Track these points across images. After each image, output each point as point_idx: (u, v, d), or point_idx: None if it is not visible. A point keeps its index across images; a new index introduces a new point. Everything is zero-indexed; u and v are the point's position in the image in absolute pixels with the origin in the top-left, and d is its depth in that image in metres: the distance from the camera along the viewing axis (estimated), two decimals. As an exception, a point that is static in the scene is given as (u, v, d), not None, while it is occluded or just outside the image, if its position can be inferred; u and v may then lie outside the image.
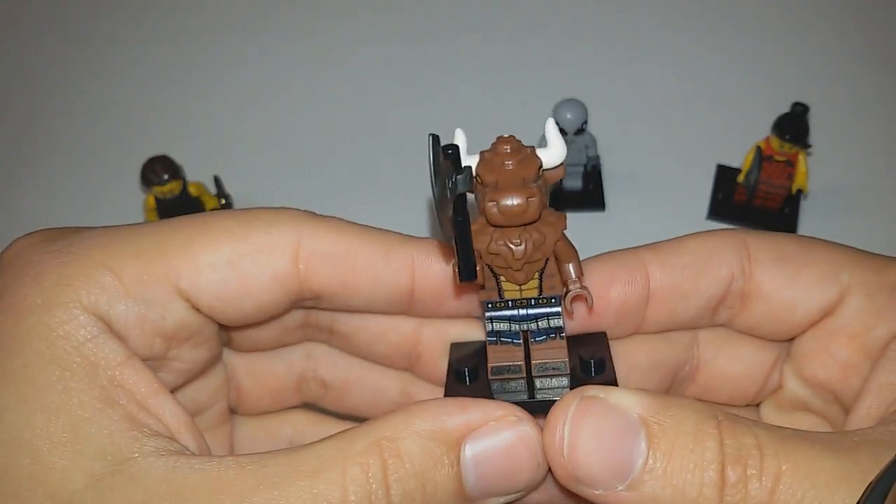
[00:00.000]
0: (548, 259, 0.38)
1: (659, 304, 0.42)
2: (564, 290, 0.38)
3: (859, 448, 0.33)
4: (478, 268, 0.37)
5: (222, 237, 0.38)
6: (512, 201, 0.36)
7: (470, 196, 0.37)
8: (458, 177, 0.36)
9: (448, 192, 0.35)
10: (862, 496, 0.31)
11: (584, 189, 0.78)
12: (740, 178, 0.75)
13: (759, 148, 0.73)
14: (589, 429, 0.34)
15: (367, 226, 0.42)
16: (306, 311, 0.44)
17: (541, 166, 0.37)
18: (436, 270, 0.41)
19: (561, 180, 0.78)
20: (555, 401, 0.36)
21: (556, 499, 0.39)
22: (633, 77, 0.87)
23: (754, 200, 0.76)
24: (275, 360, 0.47)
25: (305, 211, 0.41)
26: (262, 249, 0.39)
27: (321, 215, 0.41)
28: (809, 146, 0.72)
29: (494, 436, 0.35)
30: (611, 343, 0.42)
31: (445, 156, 0.35)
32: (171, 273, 0.37)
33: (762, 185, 0.74)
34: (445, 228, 0.36)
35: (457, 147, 0.36)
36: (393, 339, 0.45)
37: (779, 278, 0.41)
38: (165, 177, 0.71)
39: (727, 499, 0.32)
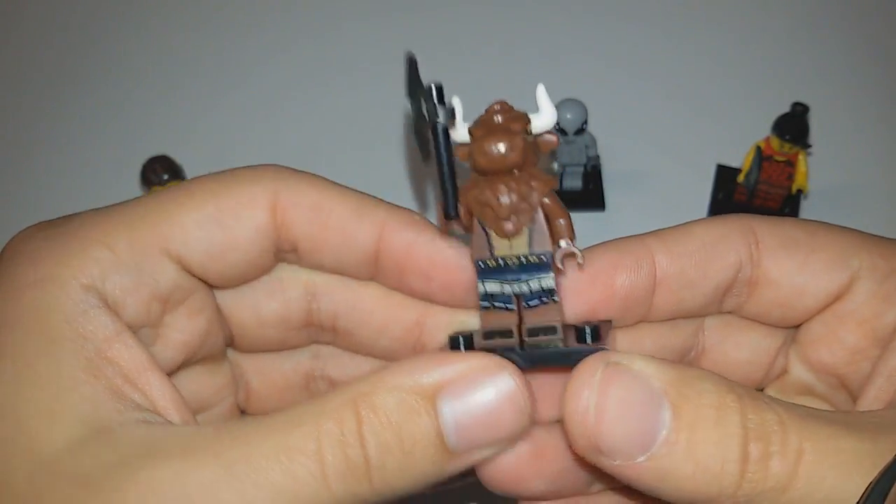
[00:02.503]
0: (535, 213, 0.38)
1: (666, 292, 0.41)
2: (555, 248, 0.38)
3: (878, 430, 0.33)
4: (469, 215, 0.38)
5: (205, 196, 0.40)
6: (492, 143, 0.37)
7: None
8: (439, 108, 0.37)
9: (426, 114, 0.37)
10: (862, 496, 0.31)
11: (584, 189, 0.78)
12: (740, 178, 0.75)
13: (759, 148, 0.73)
14: (616, 397, 0.34)
15: (344, 185, 0.42)
16: (308, 309, 0.44)
17: (528, 122, 0.38)
18: (401, 238, 0.41)
19: (561, 180, 0.79)
20: (544, 352, 0.36)
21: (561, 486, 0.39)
22: (633, 77, 0.87)
23: (754, 200, 0.76)
24: (283, 361, 0.47)
25: (285, 167, 0.42)
26: (244, 204, 0.40)
27: (300, 171, 0.42)
28: (809, 146, 0.72)
29: (471, 384, 0.35)
30: (617, 332, 0.41)
31: (430, 93, 0.37)
32: (160, 237, 0.38)
33: (762, 185, 0.74)
34: (423, 149, 0.37)
35: (441, 85, 0.37)
36: (396, 331, 0.44)
37: (787, 264, 0.41)
38: (165, 177, 0.71)
39: (749, 475, 0.32)
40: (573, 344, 0.38)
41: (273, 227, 0.41)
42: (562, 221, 0.38)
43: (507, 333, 0.39)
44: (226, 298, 0.44)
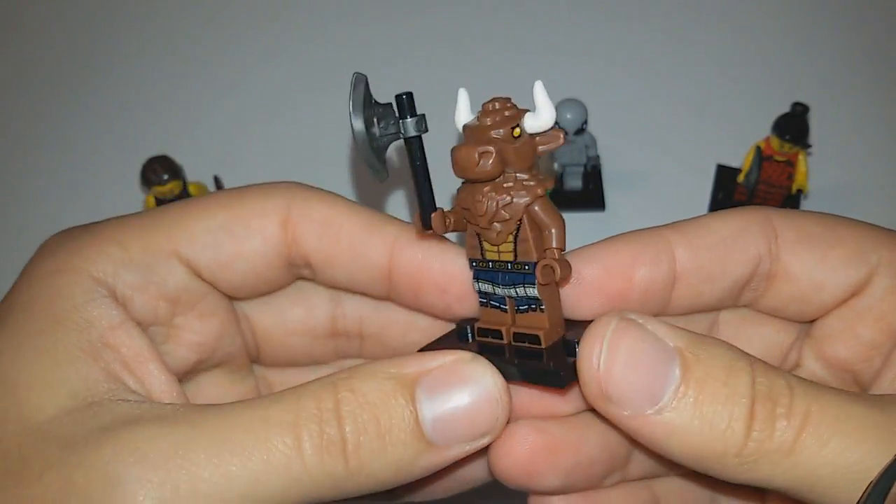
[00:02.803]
0: (520, 222, 0.37)
1: (685, 286, 0.40)
2: (539, 258, 0.38)
3: (890, 403, 0.33)
4: (448, 221, 0.38)
5: (218, 207, 0.41)
6: (463, 154, 0.36)
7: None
8: (410, 120, 0.37)
9: (376, 130, 0.37)
10: (862, 496, 0.31)
11: (584, 189, 0.78)
12: (740, 178, 0.75)
13: (759, 148, 0.73)
14: (626, 348, 0.34)
15: (356, 202, 0.42)
16: (333, 315, 0.45)
17: (516, 125, 0.37)
18: (414, 253, 0.41)
19: (561, 180, 0.79)
20: (535, 369, 0.36)
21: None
22: (633, 77, 0.87)
23: (754, 200, 0.76)
24: (309, 376, 0.46)
25: (299, 183, 0.42)
26: (254, 215, 0.41)
27: (314, 187, 0.42)
28: (809, 146, 0.72)
29: (449, 375, 0.36)
30: None
31: (399, 101, 0.37)
32: (172, 242, 0.40)
33: (762, 185, 0.74)
34: (378, 168, 0.38)
35: (411, 93, 0.37)
36: (423, 323, 0.44)
37: (806, 259, 0.40)
38: (165, 177, 0.71)
39: (754, 434, 0.33)
40: (561, 354, 0.38)
41: (283, 241, 0.41)
42: (549, 231, 0.37)
43: (496, 334, 0.40)
44: (250, 307, 0.44)
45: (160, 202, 0.73)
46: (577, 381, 0.37)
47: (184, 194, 0.73)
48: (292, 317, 0.45)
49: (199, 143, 0.84)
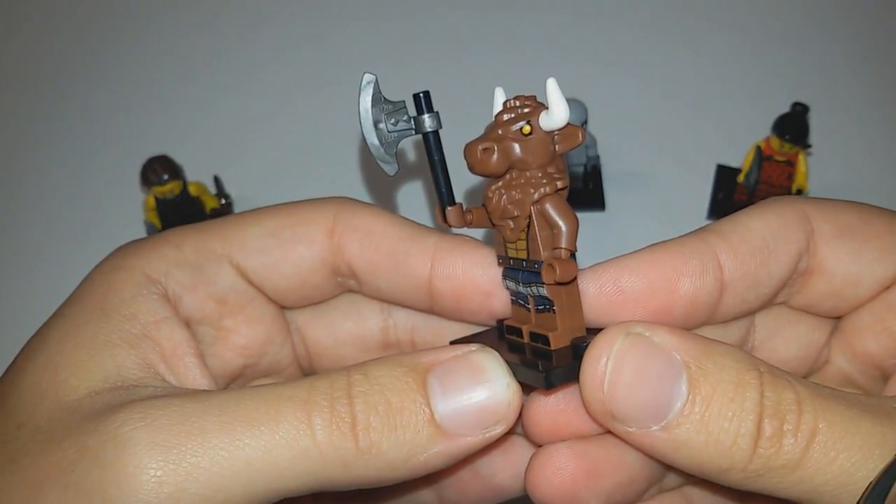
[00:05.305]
0: (530, 219, 0.37)
1: (732, 295, 0.39)
2: (545, 257, 0.37)
3: None
4: (469, 216, 0.39)
5: (268, 215, 0.43)
6: (471, 148, 0.37)
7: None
8: (426, 116, 0.39)
9: (385, 126, 0.39)
10: (862, 496, 0.31)
11: (584, 189, 0.78)
12: (740, 178, 0.75)
13: (759, 148, 0.73)
14: (632, 366, 0.34)
15: (401, 216, 0.43)
16: (384, 326, 0.45)
17: (526, 123, 0.37)
18: (454, 261, 0.41)
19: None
20: (535, 369, 0.36)
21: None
22: (633, 77, 0.87)
23: (754, 200, 0.76)
24: None
25: (349, 198, 0.44)
26: (301, 222, 0.42)
27: (362, 202, 0.44)
28: (809, 146, 0.72)
29: (458, 365, 0.36)
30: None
31: (417, 99, 0.39)
32: (224, 244, 0.42)
33: (762, 185, 0.74)
34: (388, 164, 0.39)
35: (427, 91, 0.39)
36: (474, 331, 0.44)
37: (842, 253, 0.39)
38: (165, 177, 0.71)
39: (760, 451, 0.33)
40: (568, 357, 0.37)
41: (328, 248, 0.42)
42: (557, 230, 0.37)
43: (518, 332, 0.40)
44: (302, 319, 0.45)
45: (160, 202, 0.73)
46: (570, 385, 0.37)
47: (184, 194, 0.73)
48: (343, 328, 0.45)
49: (199, 143, 0.84)
